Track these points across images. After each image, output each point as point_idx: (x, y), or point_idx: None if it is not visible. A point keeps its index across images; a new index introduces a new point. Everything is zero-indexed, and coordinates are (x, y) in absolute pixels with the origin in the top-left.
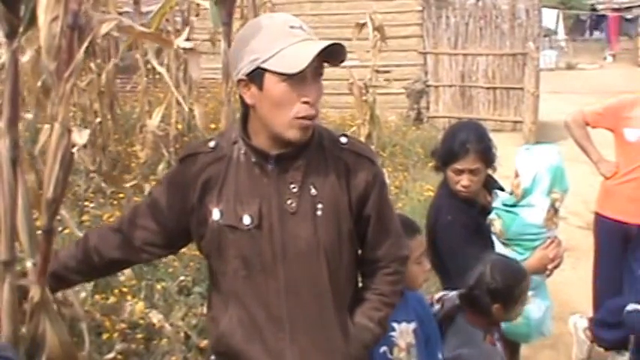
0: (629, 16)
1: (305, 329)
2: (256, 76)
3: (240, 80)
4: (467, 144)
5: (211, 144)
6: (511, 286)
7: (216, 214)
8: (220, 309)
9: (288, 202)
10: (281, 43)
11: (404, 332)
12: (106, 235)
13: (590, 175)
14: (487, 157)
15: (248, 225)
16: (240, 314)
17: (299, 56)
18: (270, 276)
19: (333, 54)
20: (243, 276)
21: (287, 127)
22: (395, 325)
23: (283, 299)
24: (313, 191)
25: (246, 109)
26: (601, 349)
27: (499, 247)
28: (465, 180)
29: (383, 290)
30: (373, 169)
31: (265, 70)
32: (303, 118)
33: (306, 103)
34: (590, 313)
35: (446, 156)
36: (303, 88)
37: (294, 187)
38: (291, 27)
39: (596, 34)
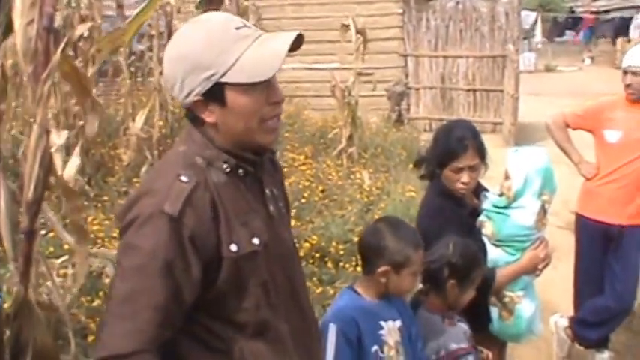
0: (606, 18)
1: (311, 334)
2: (215, 92)
3: (194, 102)
4: (465, 140)
5: (184, 178)
6: (469, 265)
7: (233, 247)
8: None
9: (270, 208)
10: (235, 50)
11: (391, 330)
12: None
13: (570, 176)
14: (484, 152)
15: (258, 245)
16: (267, 348)
17: (263, 60)
18: (281, 291)
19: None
20: (265, 304)
21: (259, 133)
22: (383, 323)
23: (294, 311)
24: (276, 192)
25: (201, 127)
26: (581, 348)
27: (490, 249)
28: (465, 177)
29: None
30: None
31: (225, 84)
32: (272, 118)
33: (274, 103)
34: (571, 313)
35: (444, 156)
36: (268, 89)
37: (268, 192)
38: (237, 28)
39: (570, 34)
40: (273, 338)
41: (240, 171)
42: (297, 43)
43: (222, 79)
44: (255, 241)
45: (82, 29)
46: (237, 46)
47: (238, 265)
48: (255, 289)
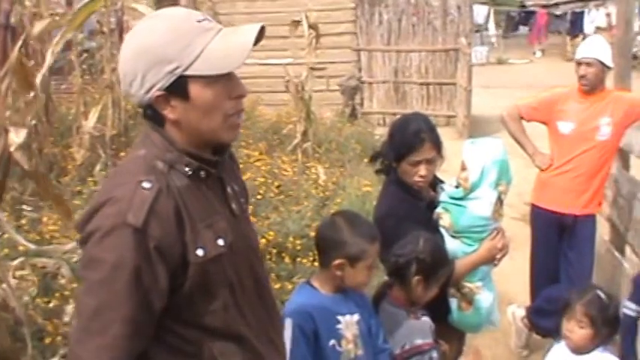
0: (557, 13)
1: (275, 328)
2: (178, 87)
3: (156, 97)
4: (421, 133)
5: (146, 185)
6: (437, 263)
7: (199, 252)
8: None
9: (233, 206)
10: (199, 42)
11: (349, 324)
12: None
13: (524, 168)
14: (440, 144)
15: (224, 246)
16: (235, 348)
17: (229, 52)
18: (247, 288)
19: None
20: (233, 304)
21: (222, 129)
22: (340, 317)
23: (259, 307)
24: (236, 188)
25: (159, 125)
26: (539, 337)
27: (448, 240)
28: (422, 170)
29: None
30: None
31: (188, 77)
32: (235, 114)
33: (237, 97)
34: (528, 303)
35: (401, 149)
36: (231, 83)
37: (229, 190)
38: (198, 21)
39: (523, 29)
40: (240, 337)
41: (202, 173)
42: (259, 36)
43: (187, 72)
44: (221, 242)
45: (39, 26)
46: (201, 39)
47: (205, 269)
48: (222, 291)
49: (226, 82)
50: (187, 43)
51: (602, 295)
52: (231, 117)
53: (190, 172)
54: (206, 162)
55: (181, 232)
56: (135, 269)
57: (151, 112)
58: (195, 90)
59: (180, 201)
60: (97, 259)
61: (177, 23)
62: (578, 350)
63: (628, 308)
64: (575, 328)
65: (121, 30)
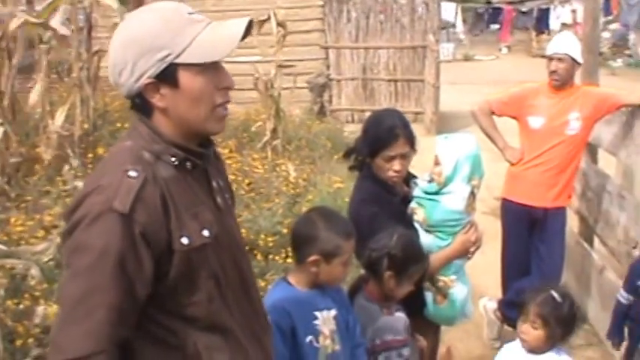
0: (524, 10)
1: (261, 324)
2: (168, 74)
3: (146, 85)
4: (395, 129)
5: (132, 173)
6: (408, 260)
7: (184, 240)
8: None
9: (217, 199)
10: (190, 32)
11: (326, 320)
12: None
13: (492, 163)
14: (413, 139)
15: (209, 237)
16: (220, 341)
17: (218, 42)
18: (231, 282)
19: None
20: (217, 296)
21: (209, 119)
22: (317, 313)
23: (244, 302)
24: (221, 183)
25: (146, 116)
26: (510, 329)
27: (422, 235)
28: (397, 165)
29: None
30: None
31: (178, 65)
32: (222, 105)
33: (225, 89)
34: (499, 296)
35: (375, 144)
36: (219, 75)
37: (214, 184)
38: (190, 13)
39: (493, 27)
40: (225, 330)
41: (188, 164)
42: (247, 31)
43: (177, 60)
44: (206, 233)
45: (16, 22)
46: (192, 29)
47: (189, 258)
48: (206, 282)
49: (214, 72)
50: (178, 32)
51: (556, 295)
52: (218, 107)
53: (177, 163)
54: (192, 153)
55: (167, 220)
56: (121, 255)
57: (139, 102)
58: (184, 78)
59: (166, 190)
60: (85, 245)
61: (167, 14)
62: (532, 351)
63: (621, 296)
64: (529, 330)
65: (89, 28)
